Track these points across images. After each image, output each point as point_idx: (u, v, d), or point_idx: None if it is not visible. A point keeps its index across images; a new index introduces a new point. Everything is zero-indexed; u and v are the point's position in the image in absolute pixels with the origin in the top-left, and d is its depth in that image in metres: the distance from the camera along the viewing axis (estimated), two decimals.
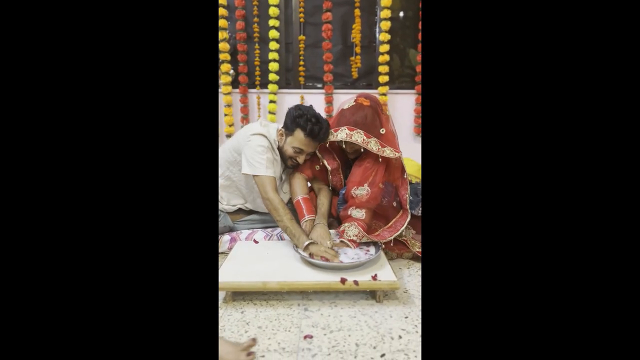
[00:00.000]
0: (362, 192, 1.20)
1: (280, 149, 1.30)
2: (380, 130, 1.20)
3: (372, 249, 1.15)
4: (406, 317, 0.90)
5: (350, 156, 1.29)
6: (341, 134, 1.17)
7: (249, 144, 1.25)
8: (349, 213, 1.20)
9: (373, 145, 1.17)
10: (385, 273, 1.00)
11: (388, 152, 1.18)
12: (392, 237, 1.19)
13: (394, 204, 1.28)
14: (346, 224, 1.18)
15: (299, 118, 1.19)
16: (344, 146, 1.24)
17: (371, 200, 1.19)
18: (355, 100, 1.23)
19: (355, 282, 0.95)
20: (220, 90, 2.56)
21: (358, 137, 1.16)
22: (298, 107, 1.24)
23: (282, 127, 1.28)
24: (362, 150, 1.24)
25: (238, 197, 1.46)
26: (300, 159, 1.25)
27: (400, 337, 0.82)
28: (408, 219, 1.23)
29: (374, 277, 0.97)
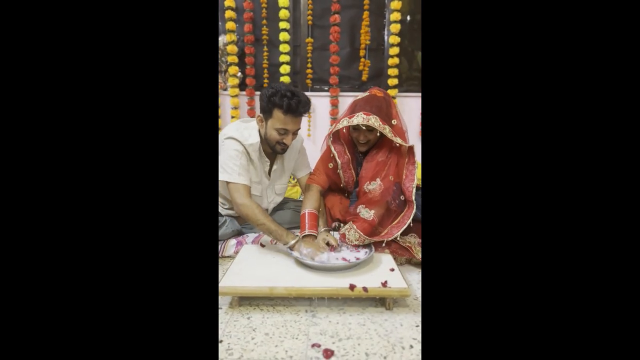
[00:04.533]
0: (374, 186, 1.19)
1: (265, 138, 1.21)
2: (392, 121, 1.21)
3: (366, 250, 1.13)
4: (417, 326, 0.87)
5: (360, 148, 1.27)
6: (357, 119, 1.16)
7: (223, 147, 1.20)
8: (357, 211, 1.19)
9: (388, 131, 1.17)
10: (396, 279, 0.98)
11: (400, 141, 1.19)
12: (399, 233, 1.17)
13: (399, 200, 1.25)
14: (346, 227, 1.17)
15: (273, 96, 1.11)
16: (359, 132, 1.22)
17: (384, 194, 1.18)
18: (369, 92, 1.26)
19: (365, 289, 0.93)
20: (227, 92, 2.56)
21: (375, 121, 1.15)
22: (270, 87, 1.15)
23: (260, 113, 1.20)
24: (375, 137, 1.24)
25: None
26: (288, 140, 1.18)
27: (411, 346, 0.79)
28: (414, 211, 1.20)
29: (384, 284, 0.94)
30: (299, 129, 1.21)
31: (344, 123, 1.20)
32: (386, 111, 1.20)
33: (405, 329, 0.86)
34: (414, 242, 1.22)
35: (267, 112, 1.17)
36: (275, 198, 1.45)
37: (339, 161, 1.30)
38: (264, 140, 1.23)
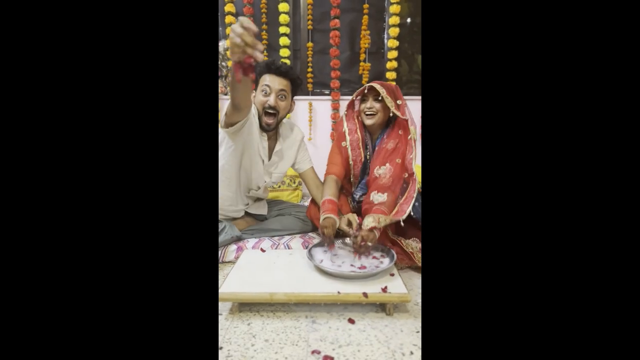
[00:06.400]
0: (384, 170, 1.26)
1: (256, 107, 1.33)
2: (397, 101, 1.29)
3: (385, 260, 1.12)
4: (417, 332, 0.87)
5: (367, 120, 1.33)
6: (367, 85, 1.29)
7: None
8: (370, 199, 1.22)
9: (389, 102, 1.27)
10: (396, 285, 0.97)
11: (399, 114, 1.29)
12: (410, 208, 1.19)
13: (404, 185, 1.30)
14: (366, 217, 1.19)
15: (259, 67, 1.31)
16: (366, 103, 1.31)
17: (394, 177, 1.25)
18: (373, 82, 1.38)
19: (365, 295, 0.92)
20: (227, 97, 2.57)
21: (381, 90, 1.26)
22: None
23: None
24: (381, 113, 1.31)
25: (236, 195, 1.44)
26: (272, 100, 1.28)
27: (412, 353, 0.79)
28: (417, 186, 1.25)
29: (384, 289, 0.94)
30: (283, 90, 1.31)
31: (357, 92, 1.34)
32: (394, 92, 1.31)
33: (406, 335, 0.86)
34: (417, 248, 1.22)
35: (256, 83, 1.33)
36: (269, 184, 1.52)
37: (348, 138, 1.37)
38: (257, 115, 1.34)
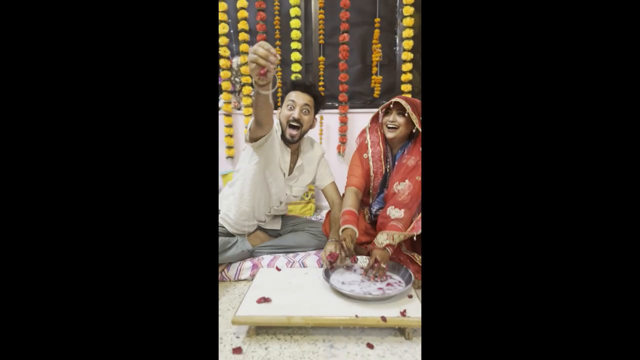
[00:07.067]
0: (403, 186, 1.26)
1: (280, 123, 1.39)
2: (420, 117, 1.31)
3: (402, 284, 1.10)
4: None
5: (388, 133, 1.34)
6: (393, 100, 1.31)
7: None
8: (387, 213, 1.22)
9: (412, 115, 1.28)
10: (415, 308, 0.95)
11: (419, 128, 1.30)
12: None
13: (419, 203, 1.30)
14: (379, 234, 1.19)
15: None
16: (389, 116, 1.33)
17: (412, 194, 1.24)
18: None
19: (383, 319, 0.91)
20: (241, 112, 2.61)
21: (407, 106, 1.28)
22: None
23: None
24: (403, 128, 1.33)
25: (253, 210, 1.45)
26: (296, 113, 1.35)
27: None
28: None
29: (403, 313, 0.92)
30: (307, 105, 1.37)
31: (383, 105, 1.37)
32: (418, 107, 1.32)
33: None
34: None
35: (282, 99, 1.43)
36: (290, 198, 1.55)
37: (370, 150, 1.40)
38: (281, 129, 1.40)
